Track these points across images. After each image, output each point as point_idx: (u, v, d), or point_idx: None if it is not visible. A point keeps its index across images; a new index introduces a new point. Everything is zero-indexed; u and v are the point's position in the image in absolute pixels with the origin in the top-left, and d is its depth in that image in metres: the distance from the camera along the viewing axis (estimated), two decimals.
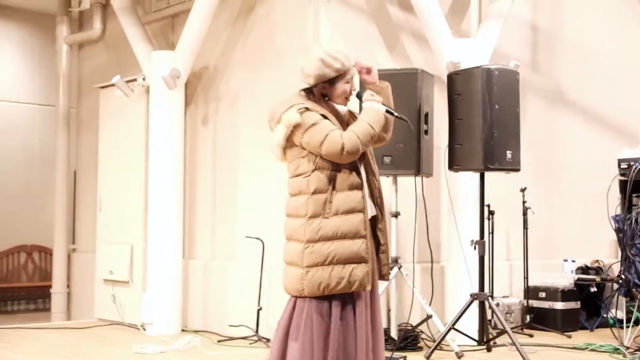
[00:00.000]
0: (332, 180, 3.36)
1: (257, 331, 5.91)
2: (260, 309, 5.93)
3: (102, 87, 7.61)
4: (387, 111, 3.47)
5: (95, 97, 7.83)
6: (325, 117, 3.37)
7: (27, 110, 10.15)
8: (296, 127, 3.34)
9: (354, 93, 3.51)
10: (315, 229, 3.33)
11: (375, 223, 3.51)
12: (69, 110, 8.47)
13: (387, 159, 5.43)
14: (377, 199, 3.52)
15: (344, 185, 3.35)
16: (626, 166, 5.61)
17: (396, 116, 3.53)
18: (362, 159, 3.47)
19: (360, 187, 3.38)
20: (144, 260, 6.87)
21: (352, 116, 3.55)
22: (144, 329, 6.55)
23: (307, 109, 3.36)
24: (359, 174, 3.39)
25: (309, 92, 3.47)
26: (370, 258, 3.38)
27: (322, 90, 3.46)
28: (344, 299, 3.36)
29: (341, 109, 3.54)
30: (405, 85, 5.49)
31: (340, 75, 3.42)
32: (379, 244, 3.53)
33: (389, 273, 3.60)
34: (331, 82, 3.43)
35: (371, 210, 3.48)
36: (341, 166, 3.36)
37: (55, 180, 8.38)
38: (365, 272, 3.34)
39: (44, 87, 10.05)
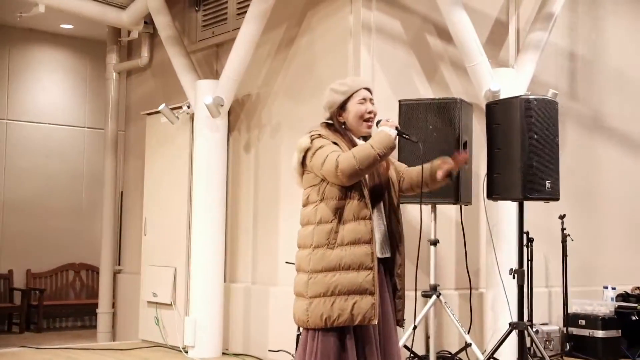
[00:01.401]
0: (338, 211, 3.29)
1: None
2: (300, 334, 5.90)
3: (149, 114, 7.72)
4: (399, 134, 3.36)
5: (142, 123, 7.94)
6: (336, 144, 3.33)
7: (77, 134, 10.36)
8: (307, 151, 3.34)
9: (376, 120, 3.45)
10: (319, 260, 3.28)
11: (392, 266, 3.44)
12: (117, 134, 8.60)
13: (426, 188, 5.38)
14: (396, 241, 3.44)
15: (350, 216, 3.28)
16: None
17: (407, 138, 3.43)
18: (381, 196, 3.41)
19: (368, 218, 3.29)
20: (186, 284, 6.91)
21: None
22: (186, 352, 6.57)
23: (319, 135, 3.36)
24: (367, 205, 3.30)
25: (331, 125, 3.47)
26: (377, 291, 3.27)
27: (340, 119, 3.44)
28: (350, 332, 3.27)
29: (361, 142, 3.45)
30: (445, 114, 5.47)
31: (350, 96, 3.41)
32: (396, 289, 3.45)
33: (404, 319, 3.50)
34: (343, 107, 3.42)
35: (382, 252, 3.40)
36: (349, 196, 3.29)
37: (103, 201, 8.50)
38: (370, 305, 3.23)
39: (94, 112, 10.25)
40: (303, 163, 3.39)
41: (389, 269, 3.45)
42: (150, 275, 7.43)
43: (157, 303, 7.26)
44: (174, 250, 7.17)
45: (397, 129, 3.36)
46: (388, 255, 3.43)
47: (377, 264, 3.34)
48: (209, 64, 7.53)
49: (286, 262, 6.07)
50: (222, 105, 6.62)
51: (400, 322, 3.48)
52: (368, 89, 3.49)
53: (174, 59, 7.11)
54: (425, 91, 6.25)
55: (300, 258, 3.38)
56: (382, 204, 3.45)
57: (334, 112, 3.44)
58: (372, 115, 3.44)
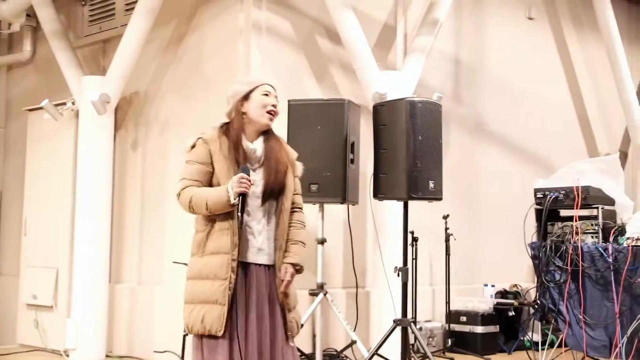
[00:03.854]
0: (210, 221, 3.31)
1: (182, 357, 5.82)
2: (186, 334, 5.84)
3: (31, 110, 7.46)
4: (242, 201, 3.25)
5: (24, 120, 7.66)
6: (203, 162, 3.34)
7: None
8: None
9: (272, 120, 3.43)
10: (190, 267, 3.33)
11: (273, 275, 3.35)
12: None
13: (313, 187, 5.46)
14: (278, 244, 3.35)
15: (217, 226, 3.29)
16: (541, 196, 5.74)
17: (240, 207, 3.26)
18: (274, 198, 3.36)
19: (228, 228, 3.26)
20: (69, 285, 6.71)
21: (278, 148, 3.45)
22: (67, 355, 6.38)
23: (202, 140, 3.34)
24: (233, 215, 3.25)
25: (226, 127, 3.42)
26: (227, 302, 3.20)
27: (241, 108, 3.40)
28: (225, 339, 3.21)
29: (256, 146, 3.40)
30: (333, 115, 5.55)
31: (255, 88, 3.41)
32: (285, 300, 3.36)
33: (293, 335, 3.37)
34: (247, 97, 3.41)
35: (267, 259, 3.34)
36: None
37: None
38: (218, 316, 3.19)
39: None
40: None
41: (271, 277, 3.36)
42: (30, 276, 7.17)
43: (37, 306, 7.01)
44: (56, 251, 6.95)
45: (241, 195, 3.24)
46: (271, 263, 3.36)
47: (261, 271, 3.31)
48: (96, 60, 7.35)
49: (174, 262, 6.00)
50: (108, 103, 6.48)
51: (288, 339, 3.36)
52: (273, 87, 3.50)
53: (58, 54, 6.90)
54: (315, 92, 6.32)
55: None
56: (273, 208, 3.40)
57: (236, 102, 3.41)
58: (275, 109, 3.42)
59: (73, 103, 6.74)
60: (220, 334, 3.20)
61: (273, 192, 3.38)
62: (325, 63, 6.49)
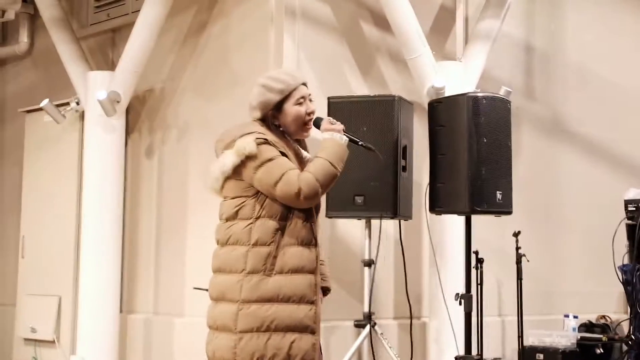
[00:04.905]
0: (279, 232, 3.32)
1: None
2: None
3: (29, 112, 7.65)
4: (350, 140, 3.47)
5: (20, 123, 7.85)
6: (284, 154, 3.37)
7: None
8: (250, 158, 3.32)
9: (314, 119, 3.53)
10: (253, 288, 3.28)
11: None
12: None
13: (359, 199, 5.53)
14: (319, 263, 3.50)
15: (293, 239, 3.32)
16: (634, 208, 5.74)
17: (362, 145, 3.54)
18: (317, 211, 3.48)
19: (313, 245, 3.35)
20: (73, 316, 6.87)
21: None
22: None
23: (266, 140, 3.35)
24: (313, 229, 3.36)
25: (267, 123, 3.49)
26: (319, 328, 3.32)
27: (274, 121, 3.48)
28: None
29: (304, 154, 3.55)
30: (381, 114, 5.62)
31: (287, 96, 3.45)
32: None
33: None
34: (279, 107, 3.46)
35: None
36: (292, 216, 3.33)
37: None
38: (311, 345, 3.28)
39: None
40: (237, 169, 3.38)
41: None
42: (29, 306, 7.34)
43: (36, 340, 7.17)
44: (59, 276, 7.11)
45: (344, 132, 3.45)
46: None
47: None
48: (103, 52, 7.51)
49: (194, 288, 6.12)
50: (118, 102, 6.61)
51: None
52: (305, 85, 3.55)
53: (60, 46, 7.07)
54: (359, 87, 6.39)
55: (227, 285, 3.36)
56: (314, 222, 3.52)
57: (268, 115, 3.48)
58: (312, 116, 3.51)
59: (77, 103, 6.89)
60: None
61: (316, 211, 3.50)
62: (371, 53, 6.56)
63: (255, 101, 3.49)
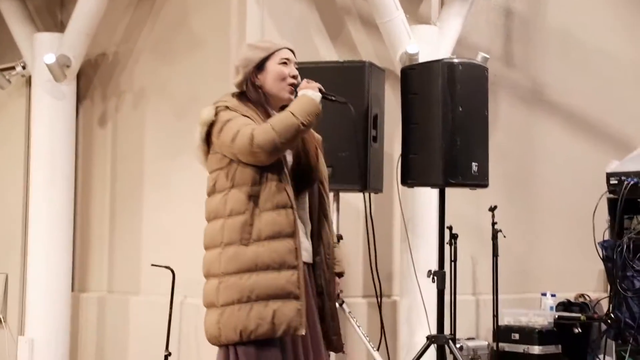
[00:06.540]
0: (252, 198, 3.36)
1: None
2: (169, 354, 5.98)
3: None
4: (324, 97, 3.50)
5: None
6: (247, 117, 3.41)
7: None
8: (212, 126, 3.41)
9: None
10: (231, 259, 3.34)
11: (319, 277, 3.55)
12: None
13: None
14: (322, 245, 3.57)
15: (267, 204, 3.36)
16: (616, 182, 5.78)
17: (336, 101, 3.57)
18: (308, 185, 3.53)
19: (289, 207, 3.38)
20: (21, 295, 6.85)
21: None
22: None
23: (227, 107, 3.43)
24: (287, 190, 3.39)
25: (242, 95, 3.55)
26: (303, 295, 3.36)
27: (256, 81, 3.52)
28: (276, 344, 3.33)
29: None
30: (351, 81, 5.61)
31: (271, 54, 3.51)
32: (323, 308, 3.55)
33: (342, 343, 3.61)
34: (261, 66, 3.51)
35: (306, 256, 3.50)
36: (265, 180, 3.37)
37: None
38: (296, 312, 3.32)
39: None
40: (208, 141, 3.46)
41: (315, 280, 3.55)
42: None
43: None
44: (5, 253, 7.12)
45: (320, 90, 3.48)
46: (310, 261, 3.53)
47: (304, 269, 3.45)
48: (52, 12, 7.43)
49: (152, 265, 6.13)
50: (68, 66, 6.57)
51: (337, 348, 3.57)
52: (292, 52, 3.60)
53: (2, 5, 6.99)
54: (328, 53, 6.39)
55: (210, 260, 3.43)
56: (307, 197, 3.57)
57: (248, 73, 3.52)
58: (296, 80, 3.54)
59: (24, 67, 6.85)
60: (302, 332, 3.32)
61: (305, 178, 3.53)
62: (340, 16, 6.55)
63: (239, 61, 3.56)
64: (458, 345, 6.24)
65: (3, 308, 7.04)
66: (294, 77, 3.54)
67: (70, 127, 6.78)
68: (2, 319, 7.02)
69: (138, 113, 6.76)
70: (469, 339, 6.81)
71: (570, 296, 7.32)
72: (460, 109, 5.24)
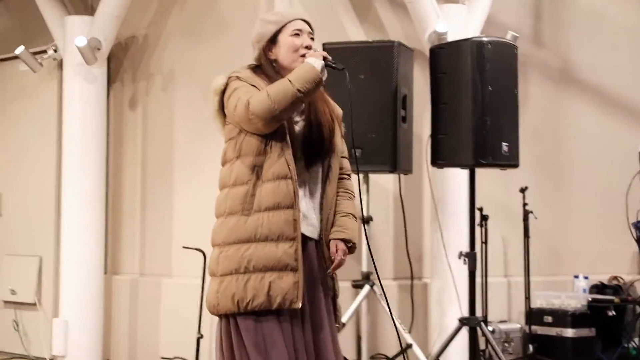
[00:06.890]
0: (255, 168, 3.38)
1: None
2: (201, 336, 6.01)
3: (2, 60, 7.62)
4: (327, 65, 3.44)
5: None
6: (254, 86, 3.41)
7: None
8: (223, 95, 3.45)
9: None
10: (232, 229, 3.38)
11: (319, 251, 3.51)
12: None
13: (356, 152, 5.52)
14: (325, 216, 3.51)
15: (269, 174, 3.37)
16: None
17: (335, 68, 3.49)
18: (319, 158, 3.50)
19: (289, 178, 3.36)
20: (55, 277, 6.91)
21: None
22: None
23: (238, 77, 3.45)
24: (287, 160, 3.37)
25: (257, 68, 3.55)
26: (301, 268, 3.35)
27: (270, 54, 3.53)
28: (272, 317, 3.33)
29: None
30: (379, 61, 5.62)
31: (282, 27, 3.50)
32: (326, 284, 3.51)
33: (342, 323, 3.61)
34: (274, 40, 3.51)
35: (312, 231, 3.48)
36: (269, 150, 3.37)
37: None
38: (292, 284, 3.32)
39: None
40: (222, 110, 3.49)
41: (318, 256, 3.52)
42: (8, 267, 7.38)
43: (16, 303, 7.22)
44: (39, 236, 7.15)
45: (324, 58, 3.44)
46: (316, 237, 3.51)
47: (308, 244, 3.45)
48: None
49: (184, 247, 6.16)
50: (99, 49, 6.59)
51: (337, 324, 3.57)
52: (306, 22, 3.58)
53: None
54: (356, 32, 6.38)
55: (214, 229, 3.49)
56: (319, 171, 3.53)
57: (263, 47, 3.53)
58: (309, 51, 3.51)
59: (55, 50, 6.87)
60: (298, 305, 3.32)
61: (316, 150, 3.50)
62: None
63: (253, 36, 3.58)
64: (490, 328, 6.24)
65: (37, 291, 7.09)
66: (307, 47, 3.51)
67: (101, 109, 6.80)
68: (36, 302, 7.08)
69: (167, 95, 6.79)
70: (501, 321, 6.78)
71: (604, 278, 7.26)
72: (490, 88, 5.23)
